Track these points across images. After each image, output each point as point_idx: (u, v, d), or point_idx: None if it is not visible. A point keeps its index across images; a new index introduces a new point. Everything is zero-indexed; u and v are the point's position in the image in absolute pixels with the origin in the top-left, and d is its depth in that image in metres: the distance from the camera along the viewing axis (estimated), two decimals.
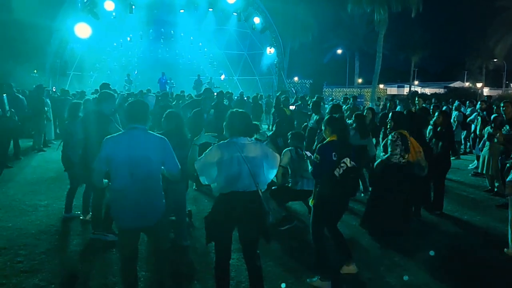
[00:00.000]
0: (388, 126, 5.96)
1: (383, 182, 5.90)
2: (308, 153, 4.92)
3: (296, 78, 36.04)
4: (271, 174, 3.86)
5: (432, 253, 5.33)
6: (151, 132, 3.69)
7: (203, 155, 3.63)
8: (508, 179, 5.58)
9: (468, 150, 13.84)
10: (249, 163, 3.59)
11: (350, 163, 4.44)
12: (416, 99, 9.19)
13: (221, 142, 3.68)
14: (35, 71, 25.64)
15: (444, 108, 15.22)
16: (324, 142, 4.57)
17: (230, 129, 3.70)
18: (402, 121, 5.83)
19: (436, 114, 7.62)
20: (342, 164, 4.39)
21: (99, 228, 5.50)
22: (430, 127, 7.73)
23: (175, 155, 3.69)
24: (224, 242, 3.74)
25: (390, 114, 6.08)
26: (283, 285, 4.44)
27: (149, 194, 3.55)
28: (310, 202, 4.72)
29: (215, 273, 3.80)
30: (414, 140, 5.78)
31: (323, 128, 4.75)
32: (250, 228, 3.70)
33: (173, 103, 12.26)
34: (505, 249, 5.53)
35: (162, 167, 3.66)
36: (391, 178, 5.78)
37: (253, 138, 3.79)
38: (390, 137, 5.81)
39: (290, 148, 6.25)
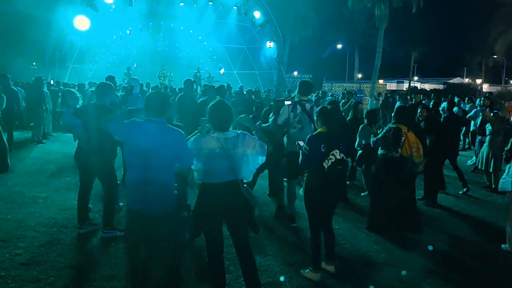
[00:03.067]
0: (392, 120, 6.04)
1: (383, 178, 5.94)
2: (301, 143, 4.93)
3: (295, 73, 35.95)
4: (260, 161, 3.80)
5: (430, 247, 5.36)
6: (169, 125, 3.64)
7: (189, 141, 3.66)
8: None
9: (466, 146, 13.86)
10: (230, 158, 3.58)
11: (339, 155, 4.46)
12: (413, 95, 9.29)
13: (202, 135, 3.65)
14: (34, 63, 25.57)
15: (444, 104, 15.20)
16: (314, 134, 4.59)
17: (211, 122, 3.67)
18: (402, 116, 5.84)
19: (419, 109, 7.73)
20: (331, 157, 4.41)
21: (109, 225, 5.44)
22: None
23: (190, 151, 3.61)
24: (214, 235, 3.73)
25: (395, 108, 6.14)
26: (281, 278, 4.47)
27: (159, 186, 3.52)
28: (301, 191, 4.75)
29: (208, 267, 3.82)
30: (413, 135, 5.74)
31: (315, 119, 4.75)
32: (235, 220, 3.71)
33: (172, 98, 12.21)
34: (503, 245, 5.56)
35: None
36: (389, 173, 5.82)
37: (239, 131, 3.73)
38: (384, 130, 5.89)
39: (288, 104, 6.12)
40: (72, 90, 6.81)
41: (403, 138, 5.65)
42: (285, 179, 6.41)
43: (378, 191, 6.05)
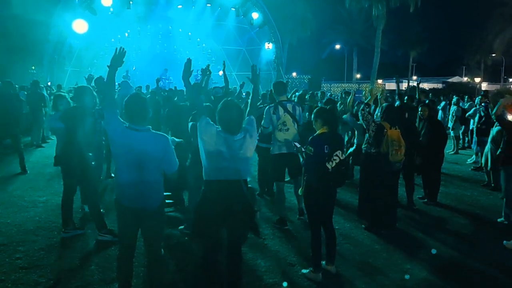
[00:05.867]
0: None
1: (366, 174, 6.16)
2: (298, 144, 4.90)
3: (294, 74, 35.93)
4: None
5: (434, 251, 5.36)
6: (152, 131, 3.65)
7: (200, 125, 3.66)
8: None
9: (466, 145, 13.87)
10: (236, 159, 3.59)
11: (342, 155, 4.46)
12: (416, 94, 9.38)
13: (215, 128, 3.63)
14: (33, 67, 25.54)
15: (443, 103, 15.22)
16: (316, 134, 4.57)
17: (220, 123, 3.66)
18: (387, 114, 5.89)
19: (420, 108, 7.71)
20: (335, 157, 4.40)
21: (104, 228, 5.46)
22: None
23: (174, 154, 3.70)
24: (212, 235, 3.72)
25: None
26: (282, 279, 4.46)
27: (148, 185, 3.59)
28: (300, 191, 4.75)
29: (202, 265, 3.78)
30: (397, 133, 5.72)
31: (313, 120, 4.74)
32: (235, 220, 3.67)
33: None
34: (504, 242, 5.55)
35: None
36: (370, 169, 5.99)
37: (242, 133, 3.68)
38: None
39: (270, 105, 6.10)
40: (63, 94, 6.84)
41: (384, 136, 5.67)
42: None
43: (364, 187, 6.21)
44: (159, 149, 3.59)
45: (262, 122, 6.01)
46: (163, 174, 3.72)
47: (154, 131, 3.66)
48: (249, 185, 3.80)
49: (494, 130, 8.20)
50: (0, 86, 10.19)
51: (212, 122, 3.67)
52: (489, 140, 8.51)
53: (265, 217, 6.43)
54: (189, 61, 3.87)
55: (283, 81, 6.61)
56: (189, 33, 29.44)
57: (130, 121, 3.59)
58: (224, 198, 3.59)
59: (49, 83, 19.58)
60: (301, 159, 4.69)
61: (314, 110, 4.80)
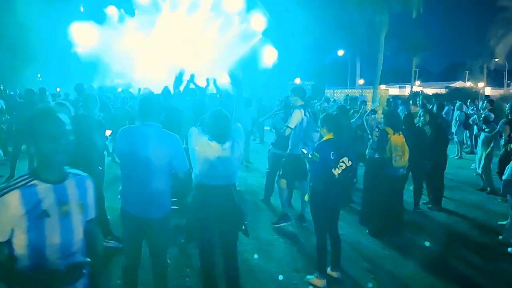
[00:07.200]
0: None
1: (370, 179, 6.21)
2: (305, 150, 4.93)
3: (297, 80, 36.01)
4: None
5: (427, 243, 5.45)
6: (164, 130, 3.65)
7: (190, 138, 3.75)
8: (504, 177, 5.67)
9: (468, 150, 13.84)
10: (226, 165, 3.65)
11: (348, 162, 4.47)
12: (418, 98, 9.50)
13: (206, 137, 3.67)
14: (39, 75, 25.75)
15: (446, 108, 15.22)
16: (322, 141, 4.60)
17: (209, 132, 3.69)
18: (389, 119, 5.93)
19: (422, 113, 7.78)
20: (341, 164, 4.41)
21: (110, 234, 5.42)
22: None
23: (185, 155, 3.69)
24: (207, 239, 3.76)
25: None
26: (287, 284, 4.47)
27: (154, 190, 3.55)
28: (306, 197, 4.78)
29: (200, 269, 3.83)
30: (401, 139, 5.76)
31: (319, 126, 4.77)
32: (228, 225, 3.72)
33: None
34: (509, 249, 5.54)
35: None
36: (374, 174, 6.03)
37: (230, 141, 3.69)
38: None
39: (298, 107, 6.10)
40: (63, 102, 6.89)
41: (387, 142, 5.69)
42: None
43: (368, 193, 6.24)
44: (168, 148, 3.56)
45: (288, 123, 6.00)
46: (170, 184, 3.69)
47: (165, 130, 3.66)
48: (238, 189, 3.82)
49: (483, 135, 8.41)
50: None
51: (202, 131, 3.73)
52: (479, 144, 8.63)
53: (269, 223, 6.44)
54: (181, 71, 4.00)
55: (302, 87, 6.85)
56: (193, 40, 29.59)
57: (142, 118, 3.61)
58: (215, 201, 3.64)
59: (58, 89, 19.75)
60: (307, 165, 4.72)
61: (321, 116, 4.84)
